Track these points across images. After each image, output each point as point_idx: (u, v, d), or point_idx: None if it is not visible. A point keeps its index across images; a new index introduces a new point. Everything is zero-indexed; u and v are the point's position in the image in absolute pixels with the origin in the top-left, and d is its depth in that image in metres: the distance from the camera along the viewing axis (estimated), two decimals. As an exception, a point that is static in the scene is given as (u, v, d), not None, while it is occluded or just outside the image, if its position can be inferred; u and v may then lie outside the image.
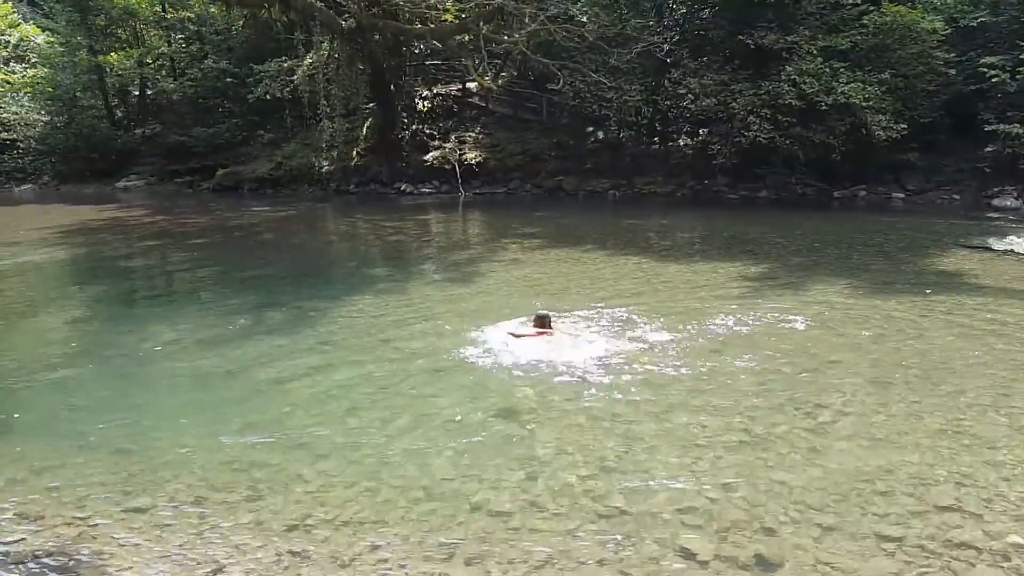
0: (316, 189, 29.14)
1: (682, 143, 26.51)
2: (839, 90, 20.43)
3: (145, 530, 4.79)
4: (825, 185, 23.16)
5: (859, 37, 21.35)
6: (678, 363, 7.61)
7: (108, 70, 35.43)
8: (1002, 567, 4.17)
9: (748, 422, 6.16)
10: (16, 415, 6.92)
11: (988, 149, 20.68)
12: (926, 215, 19.15)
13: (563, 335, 8.34)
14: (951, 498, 4.87)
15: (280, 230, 20.83)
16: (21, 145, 37.36)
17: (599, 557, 4.35)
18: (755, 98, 21.63)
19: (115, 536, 4.73)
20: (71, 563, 4.43)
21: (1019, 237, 14.47)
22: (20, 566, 4.36)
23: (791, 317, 9.34)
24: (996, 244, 14.05)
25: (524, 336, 8.24)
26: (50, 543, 4.65)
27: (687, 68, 23.61)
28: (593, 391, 6.91)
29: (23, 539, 4.70)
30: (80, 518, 4.95)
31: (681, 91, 23.25)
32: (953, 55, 21.27)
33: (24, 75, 37.07)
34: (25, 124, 37.18)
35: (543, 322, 8.30)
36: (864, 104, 20.36)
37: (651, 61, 24.47)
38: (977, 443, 5.68)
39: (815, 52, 21.11)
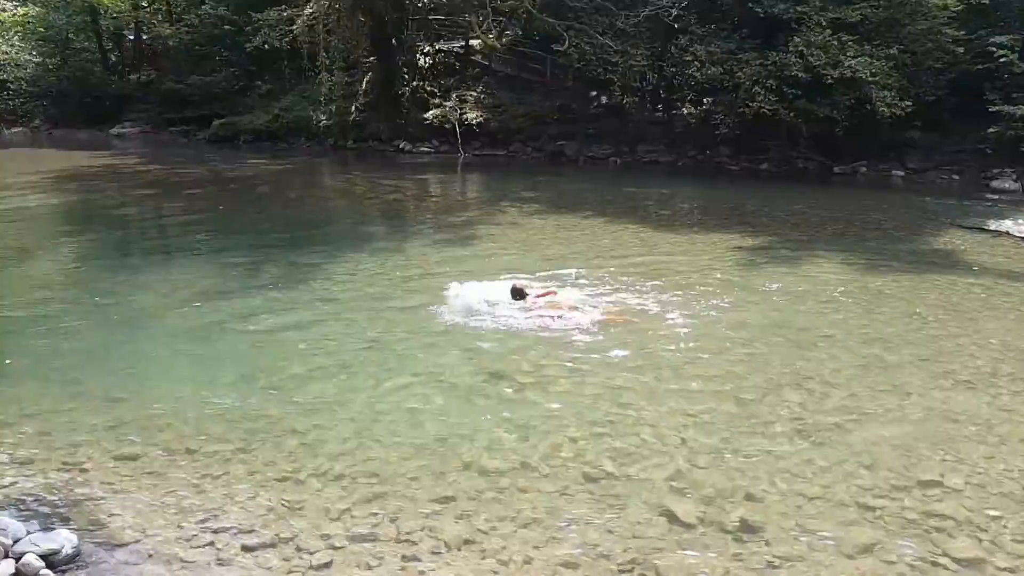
0: (313, 143, 28.78)
1: (686, 112, 26.24)
2: (846, 64, 20.15)
3: (137, 477, 4.84)
4: (826, 160, 23.03)
5: (869, 10, 20.98)
6: (671, 332, 7.64)
7: (102, 12, 34.58)
8: (979, 539, 4.26)
9: (737, 392, 6.21)
10: (8, 360, 6.91)
11: (991, 130, 20.47)
12: (925, 194, 19.10)
13: (557, 300, 8.35)
14: (934, 472, 4.94)
15: (277, 184, 20.65)
16: (12, 86, 36.59)
17: (586, 518, 4.41)
18: (761, 68, 21.35)
19: (107, 482, 4.77)
20: (62, 507, 4.47)
21: (1014, 219, 14.47)
22: (11, 508, 4.40)
23: (785, 290, 9.37)
24: (991, 225, 14.04)
25: (521, 298, 8.24)
26: (41, 487, 4.69)
27: (694, 34, 23.20)
28: (584, 356, 6.94)
29: (15, 482, 4.74)
30: (72, 463, 4.99)
31: (687, 58, 22.90)
32: (962, 33, 20.97)
33: (15, 13, 36.13)
34: (16, 65, 36.36)
35: (518, 292, 8.26)
36: (870, 79, 20.12)
37: (659, 25, 24.03)
38: (963, 420, 5.74)
39: (824, 24, 20.78)
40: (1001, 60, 19.85)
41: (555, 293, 8.50)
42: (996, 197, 18.68)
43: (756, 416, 5.79)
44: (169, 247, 12.73)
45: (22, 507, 4.45)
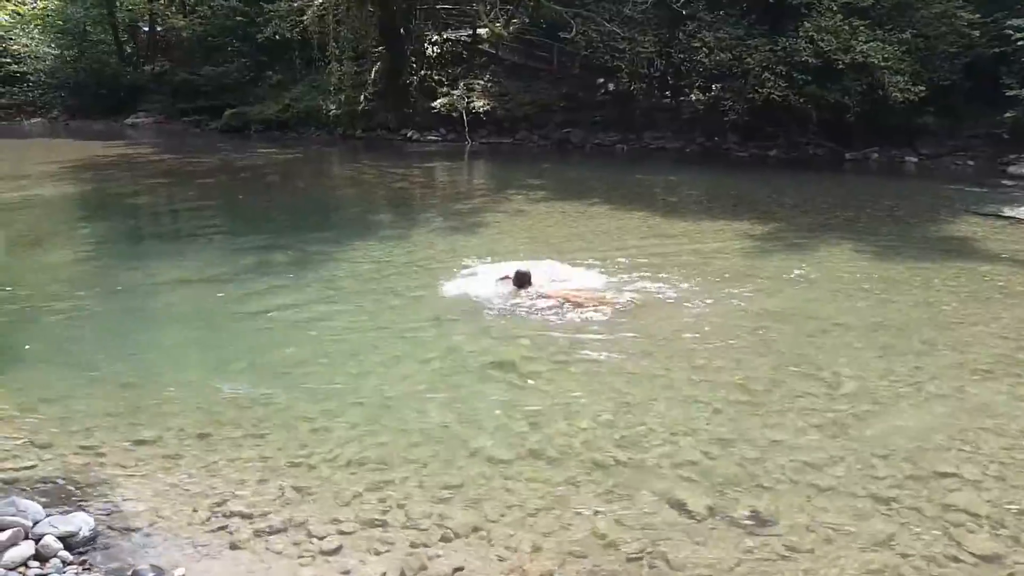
0: (323, 133, 28.88)
1: (694, 98, 26.01)
2: (857, 49, 19.92)
3: (151, 461, 4.89)
4: (837, 146, 22.81)
5: (881, -7, 20.75)
6: (680, 320, 7.62)
7: (118, 4, 34.90)
8: (998, 534, 4.17)
9: (748, 381, 6.18)
10: (26, 346, 7.00)
11: (1007, 115, 20.18)
12: (939, 180, 18.89)
13: (563, 287, 8.35)
14: (950, 464, 4.86)
15: (286, 173, 20.71)
16: (31, 78, 37.01)
17: (594, 507, 4.41)
18: (771, 54, 21.14)
19: (122, 465, 4.83)
20: (80, 490, 4.53)
21: (1032, 206, 14.28)
22: (31, 491, 4.46)
23: (796, 278, 9.32)
24: (1008, 212, 13.85)
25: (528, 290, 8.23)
26: (59, 470, 4.76)
27: (703, 21, 22.99)
28: (593, 344, 6.94)
29: (34, 465, 4.80)
30: (88, 447, 5.05)
31: (695, 44, 22.69)
32: (978, 16, 20.64)
33: (34, 7, 36.50)
34: (35, 57, 36.74)
35: (522, 279, 8.24)
36: (882, 64, 19.87)
37: (666, 12, 23.83)
38: (979, 410, 5.66)
39: (835, 8, 20.53)
40: (1018, 43, 19.49)
41: (553, 264, 8.51)
42: (1013, 183, 18.39)
43: (768, 405, 5.76)
44: (180, 235, 12.80)
45: (41, 490, 4.51)
